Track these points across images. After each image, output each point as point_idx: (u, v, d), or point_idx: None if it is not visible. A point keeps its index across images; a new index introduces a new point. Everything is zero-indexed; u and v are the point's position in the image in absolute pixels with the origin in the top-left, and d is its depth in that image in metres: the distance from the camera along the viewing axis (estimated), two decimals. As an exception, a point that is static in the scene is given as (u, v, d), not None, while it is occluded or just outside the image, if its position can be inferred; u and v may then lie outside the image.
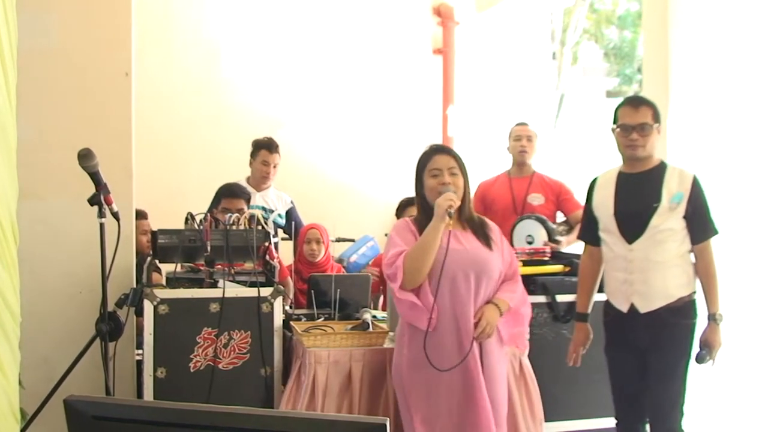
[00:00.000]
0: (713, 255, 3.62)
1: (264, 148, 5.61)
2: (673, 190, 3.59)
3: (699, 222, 3.62)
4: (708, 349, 3.55)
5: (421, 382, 3.34)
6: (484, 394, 3.28)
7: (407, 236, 3.38)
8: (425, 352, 3.23)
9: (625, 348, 3.67)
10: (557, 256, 4.55)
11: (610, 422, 3.79)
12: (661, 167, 3.68)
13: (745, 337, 4.35)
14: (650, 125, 3.61)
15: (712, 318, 3.57)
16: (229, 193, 4.82)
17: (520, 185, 5.33)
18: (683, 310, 3.60)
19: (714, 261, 3.61)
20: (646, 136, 3.61)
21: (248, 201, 4.88)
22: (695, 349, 3.58)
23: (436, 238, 3.25)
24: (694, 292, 3.62)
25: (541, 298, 4.24)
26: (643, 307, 3.60)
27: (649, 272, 3.59)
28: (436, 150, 3.50)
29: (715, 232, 3.63)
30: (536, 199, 5.25)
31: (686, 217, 3.58)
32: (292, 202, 5.78)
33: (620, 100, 3.75)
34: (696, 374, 3.66)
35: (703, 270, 3.61)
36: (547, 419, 3.96)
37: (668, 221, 3.57)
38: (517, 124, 5.44)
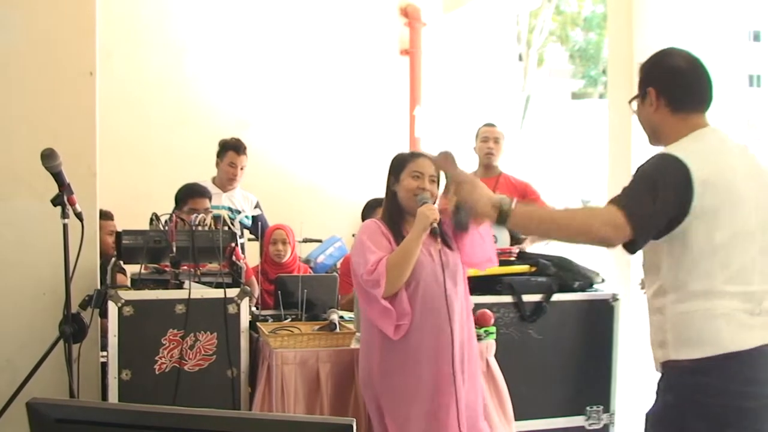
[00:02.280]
0: None
1: (231, 149, 5.59)
2: None
3: None
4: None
5: (394, 387, 3.33)
6: (454, 401, 3.28)
7: (380, 239, 3.36)
8: (400, 356, 3.28)
9: None
10: (523, 257, 4.58)
11: (577, 421, 3.81)
12: None
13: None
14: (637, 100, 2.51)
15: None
16: (196, 193, 4.80)
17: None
18: None
19: None
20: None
21: (210, 200, 4.88)
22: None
23: (418, 245, 3.25)
24: None
25: (508, 298, 4.26)
26: None
27: None
28: (421, 154, 3.56)
29: None
30: (501, 200, 5.26)
31: None
32: (258, 203, 5.76)
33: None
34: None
35: None
36: (515, 418, 3.98)
37: None
38: (485, 125, 5.44)
